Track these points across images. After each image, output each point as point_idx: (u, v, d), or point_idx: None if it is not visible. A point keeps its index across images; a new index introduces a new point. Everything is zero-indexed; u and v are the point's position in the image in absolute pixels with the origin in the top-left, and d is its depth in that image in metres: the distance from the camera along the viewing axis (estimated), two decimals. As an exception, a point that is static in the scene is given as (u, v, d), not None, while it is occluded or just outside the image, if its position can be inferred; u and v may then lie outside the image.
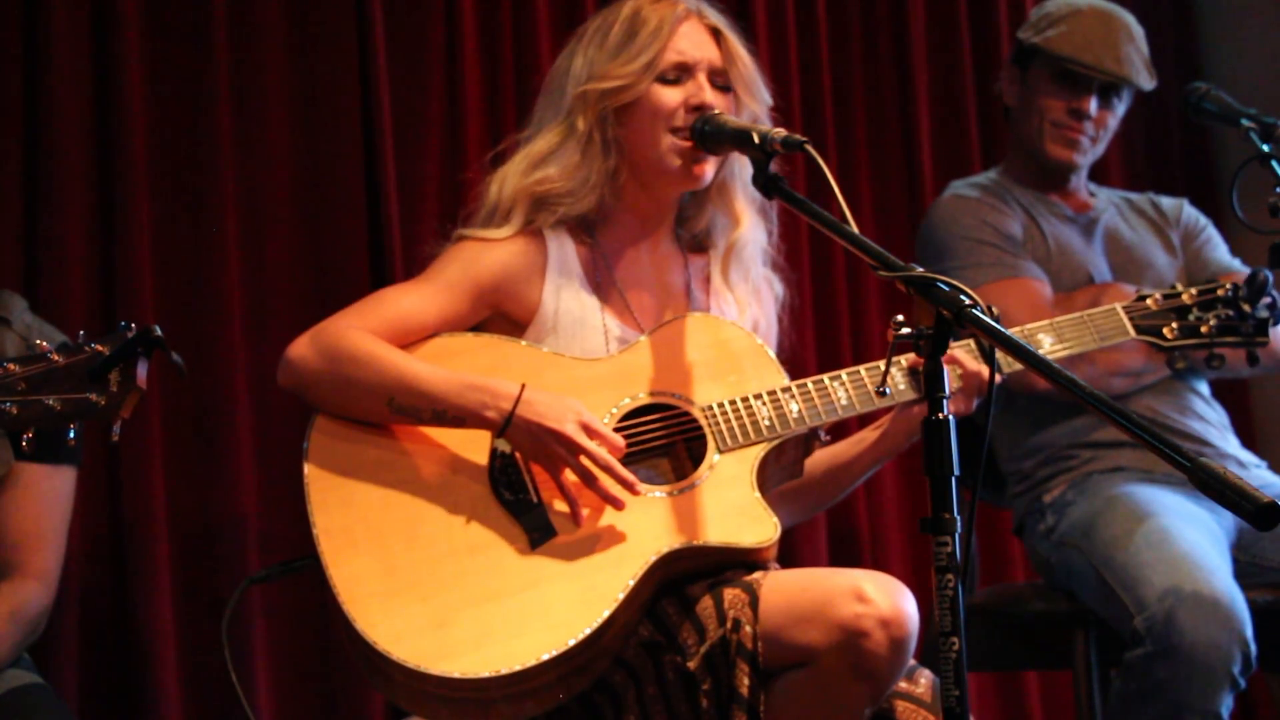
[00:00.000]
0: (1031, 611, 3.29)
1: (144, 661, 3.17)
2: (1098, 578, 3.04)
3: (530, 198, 2.57)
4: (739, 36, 2.62)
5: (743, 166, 2.62)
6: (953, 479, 1.96)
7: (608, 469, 2.36)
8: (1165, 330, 2.75)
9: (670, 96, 2.53)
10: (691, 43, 2.56)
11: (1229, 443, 3.36)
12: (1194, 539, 3.00)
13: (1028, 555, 3.44)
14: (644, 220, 2.65)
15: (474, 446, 2.45)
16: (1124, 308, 2.75)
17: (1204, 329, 2.75)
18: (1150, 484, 3.18)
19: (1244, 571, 3.07)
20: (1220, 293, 2.78)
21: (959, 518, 1.95)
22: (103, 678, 3.18)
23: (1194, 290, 2.78)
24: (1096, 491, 3.19)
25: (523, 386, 2.39)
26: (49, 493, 2.70)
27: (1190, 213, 3.57)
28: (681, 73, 2.55)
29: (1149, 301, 2.77)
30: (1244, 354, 2.81)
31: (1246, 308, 2.76)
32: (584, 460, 2.35)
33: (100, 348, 2.03)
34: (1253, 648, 2.86)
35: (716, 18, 2.61)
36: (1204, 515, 3.12)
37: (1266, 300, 2.77)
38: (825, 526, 3.92)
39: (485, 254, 2.57)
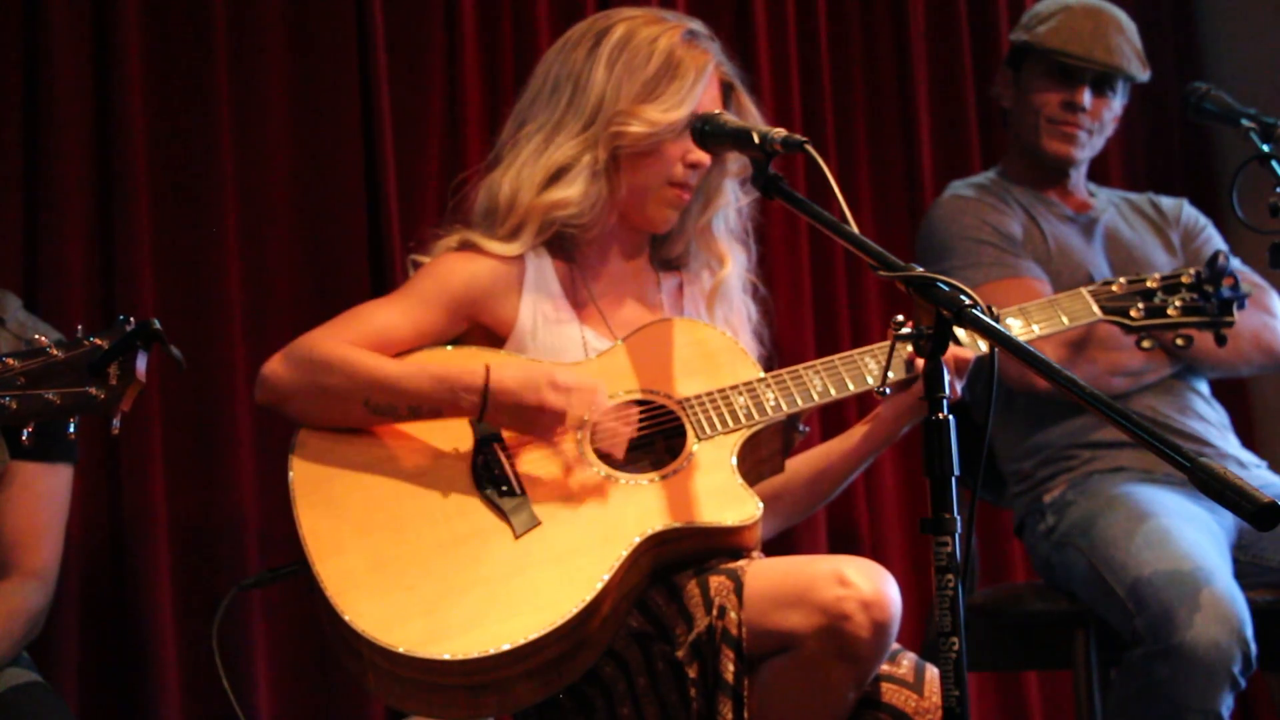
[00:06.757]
0: (1031, 611, 3.28)
1: (144, 661, 3.17)
2: (1098, 577, 3.04)
3: (543, 220, 2.58)
4: (746, 88, 2.65)
5: (725, 208, 2.69)
6: (953, 479, 1.96)
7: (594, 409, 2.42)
8: (1131, 311, 2.78)
9: (677, 151, 2.57)
10: (710, 98, 2.59)
11: (1229, 443, 3.37)
12: (1194, 539, 3.00)
13: (1028, 555, 3.44)
14: (623, 244, 2.69)
15: (457, 442, 2.47)
16: (1089, 291, 2.78)
17: (1170, 311, 2.79)
18: (1150, 484, 3.18)
19: (1244, 571, 3.07)
20: (1185, 279, 2.82)
21: (959, 518, 1.96)
22: (102, 677, 3.18)
23: (1158, 276, 2.81)
24: (1097, 491, 3.19)
25: (488, 368, 2.41)
26: (46, 491, 2.70)
27: (1190, 213, 3.57)
28: None
29: (1114, 286, 2.79)
30: (1211, 336, 2.84)
31: (1210, 289, 2.80)
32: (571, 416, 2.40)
33: (99, 341, 2.03)
34: (1253, 647, 2.86)
35: (733, 74, 2.64)
36: (1204, 515, 3.12)
37: (1228, 282, 2.80)
38: (825, 526, 3.91)
39: (461, 268, 2.59)
